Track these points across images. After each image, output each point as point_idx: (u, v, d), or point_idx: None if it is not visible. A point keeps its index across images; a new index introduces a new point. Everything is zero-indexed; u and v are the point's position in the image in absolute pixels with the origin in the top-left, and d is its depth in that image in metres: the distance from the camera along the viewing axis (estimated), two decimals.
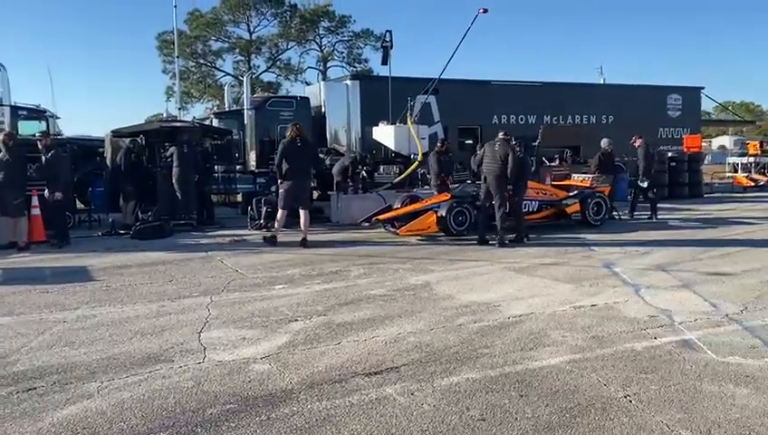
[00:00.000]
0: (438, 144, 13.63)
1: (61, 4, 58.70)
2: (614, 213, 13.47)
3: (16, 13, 57.65)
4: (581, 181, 13.57)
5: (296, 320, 5.83)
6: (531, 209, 11.76)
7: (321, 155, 17.82)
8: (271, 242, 10.39)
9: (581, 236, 11.13)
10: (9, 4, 58.05)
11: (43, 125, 17.90)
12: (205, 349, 4.98)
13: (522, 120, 20.29)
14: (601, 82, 26.94)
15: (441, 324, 5.64)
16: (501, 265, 8.53)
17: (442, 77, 16.40)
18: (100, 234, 12.00)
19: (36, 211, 10.98)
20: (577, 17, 66.72)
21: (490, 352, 4.88)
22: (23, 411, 3.84)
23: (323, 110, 18.87)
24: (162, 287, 7.35)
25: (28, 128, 17.06)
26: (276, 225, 10.72)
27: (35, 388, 4.21)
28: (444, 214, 10.89)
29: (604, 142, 14.19)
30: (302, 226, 10.50)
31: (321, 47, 44.97)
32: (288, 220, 11.04)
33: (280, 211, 10.64)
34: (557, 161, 18.10)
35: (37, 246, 10.57)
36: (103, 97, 67.32)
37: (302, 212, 10.51)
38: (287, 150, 10.38)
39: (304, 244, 10.32)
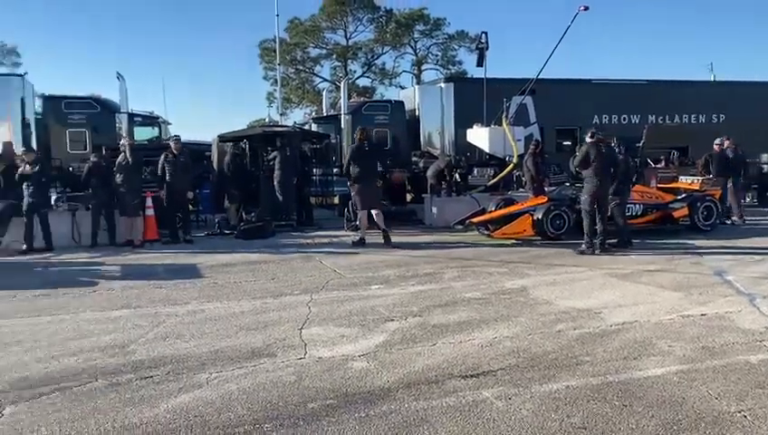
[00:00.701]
0: (533, 146, 13.36)
1: (167, 13, 62.58)
2: (725, 218, 12.65)
3: (128, 21, 62.09)
4: (690, 184, 12.85)
5: (392, 320, 5.91)
6: (634, 213, 11.26)
7: (414, 157, 18.02)
8: (361, 245, 10.62)
9: (690, 241, 10.54)
10: (128, 17, 62.59)
11: (156, 131, 19.20)
12: (305, 345, 5.16)
13: (624, 119, 19.52)
14: (711, 79, 25.39)
15: (539, 330, 5.53)
16: (602, 270, 8.24)
17: (539, 77, 16.05)
18: (207, 233, 12.67)
19: (150, 211, 11.75)
20: (683, 9, 63.07)
21: (591, 359, 4.74)
22: (141, 398, 4.13)
23: (417, 113, 19.00)
24: (265, 285, 7.67)
25: (143, 133, 18.32)
26: (360, 227, 10.97)
27: (152, 376, 4.52)
28: (541, 217, 10.65)
29: (717, 141, 13.39)
30: (379, 225, 10.78)
31: (415, 51, 45.12)
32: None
33: (360, 213, 10.93)
34: (663, 163, 17.23)
35: (151, 245, 11.32)
36: (208, 102, 70.97)
37: (374, 212, 10.81)
38: (355, 154, 10.82)
39: (388, 241, 10.58)
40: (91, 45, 64.39)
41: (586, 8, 14.62)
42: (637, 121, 19.18)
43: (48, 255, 10.44)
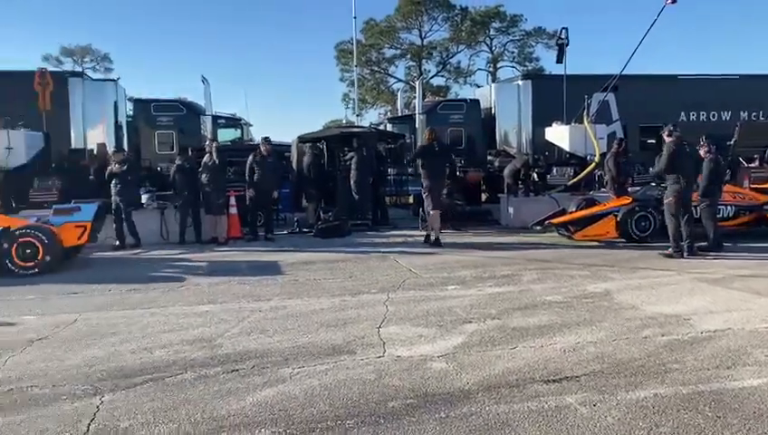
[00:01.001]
0: (615, 144, 12.92)
1: (246, 16, 64.95)
2: None
3: (209, 24, 64.88)
4: None
5: (470, 321, 5.87)
6: (726, 215, 10.70)
7: (489, 156, 17.83)
8: (437, 245, 10.66)
9: None
10: (209, 20, 65.31)
11: (238, 132, 19.86)
12: (384, 343, 5.20)
13: (714, 116, 18.55)
14: None
15: (624, 335, 5.35)
16: (690, 275, 7.87)
17: (622, 73, 15.48)
18: (287, 232, 12.99)
19: (234, 210, 12.18)
20: None
21: (680, 368, 4.53)
22: (228, 390, 4.28)
23: (494, 111, 18.75)
24: (343, 283, 7.79)
25: (226, 135, 18.99)
26: (434, 226, 11.02)
27: (238, 370, 4.67)
28: (625, 218, 10.30)
29: None
30: (431, 223, 10.96)
31: (491, 48, 44.62)
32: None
33: (433, 213, 11.00)
34: (757, 162, 16.26)
35: (234, 242, 11.74)
36: (285, 103, 72.97)
37: (433, 212, 10.90)
38: (422, 153, 11.11)
39: (428, 240, 10.76)
40: (175, 50, 67.45)
41: (673, 1, 13.97)
42: (728, 118, 18.21)
43: (138, 251, 11.01)
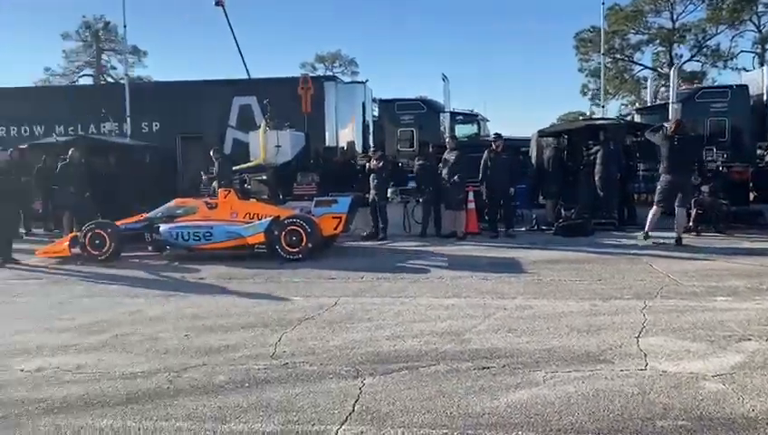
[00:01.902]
0: None
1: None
2: None
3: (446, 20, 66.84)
4: None
5: (749, 339, 5.12)
6: None
7: (759, 150, 15.62)
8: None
9: None
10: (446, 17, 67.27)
11: (474, 128, 20.01)
12: (645, 356, 4.76)
13: None
14: None
15: None
16: None
17: None
18: (524, 229, 12.76)
19: (471, 205, 12.29)
20: None
21: None
22: (480, 387, 4.26)
23: (765, 98, 16.34)
24: (591, 286, 7.36)
25: (463, 131, 19.23)
26: (648, 222, 10.33)
27: (489, 367, 4.63)
28: None
29: None
30: (678, 224, 10.18)
31: (758, 27, 38.89)
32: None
33: (654, 208, 10.32)
34: None
35: (472, 237, 11.84)
36: (518, 97, 72.28)
37: (678, 210, 10.12)
38: (659, 143, 10.37)
39: (679, 242, 9.98)
40: (415, 50, 70.67)
41: None
42: None
43: (384, 242, 11.66)
